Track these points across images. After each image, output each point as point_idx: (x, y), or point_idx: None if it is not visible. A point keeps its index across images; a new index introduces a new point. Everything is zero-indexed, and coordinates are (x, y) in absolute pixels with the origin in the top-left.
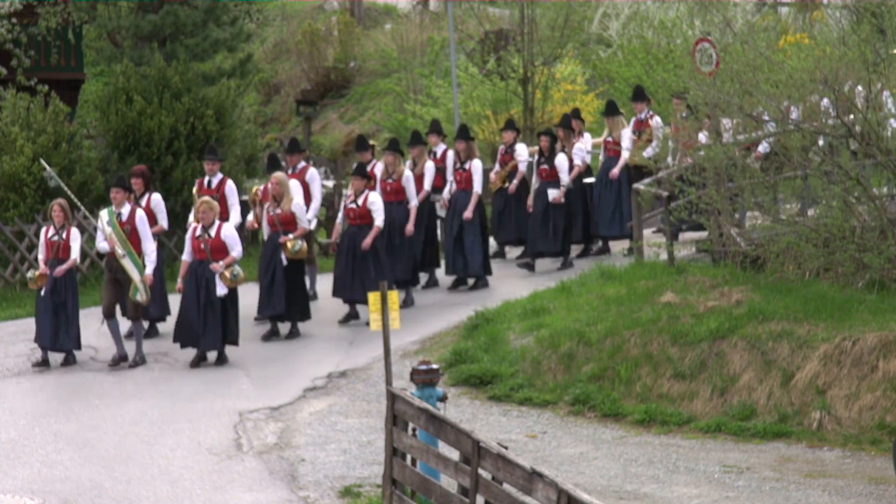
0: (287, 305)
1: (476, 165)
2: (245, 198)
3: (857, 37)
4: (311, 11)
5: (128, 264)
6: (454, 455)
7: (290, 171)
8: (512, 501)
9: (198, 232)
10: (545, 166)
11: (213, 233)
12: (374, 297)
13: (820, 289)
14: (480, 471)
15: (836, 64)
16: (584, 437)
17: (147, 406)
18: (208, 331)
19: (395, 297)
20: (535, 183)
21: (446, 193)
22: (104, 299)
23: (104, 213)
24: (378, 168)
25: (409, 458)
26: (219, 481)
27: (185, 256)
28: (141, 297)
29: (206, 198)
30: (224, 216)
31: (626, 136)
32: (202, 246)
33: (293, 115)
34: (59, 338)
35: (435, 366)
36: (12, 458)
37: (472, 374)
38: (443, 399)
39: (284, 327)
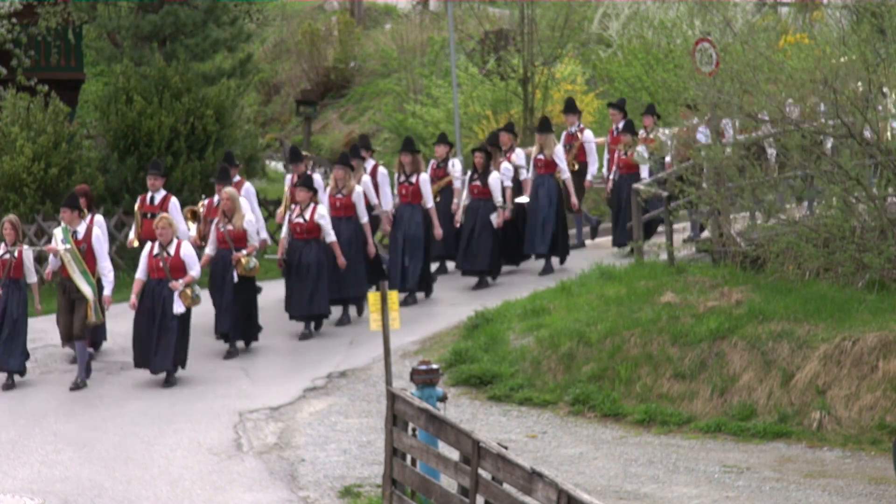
0: (235, 325)
1: (424, 179)
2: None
3: (857, 37)
4: (311, 11)
5: (83, 284)
6: (454, 455)
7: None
8: (512, 501)
9: (155, 250)
10: (478, 183)
11: (171, 251)
12: (373, 297)
13: (820, 289)
14: (480, 471)
15: (836, 64)
16: (584, 437)
17: (147, 406)
18: (160, 352)
19: (395, 297)
20: (465, 199)
21: (390, 207)
22: (62, 327)
23: (58, 232)
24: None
25: (409, 458)
26: (219, 481)
27: (140, 275)
28: (95, 318)
29: (165, 214)
30: None
31: (560, 155)
32: (161, 264)
33: (293, 115)
34: (4, 357)
35: (435, 366)
36: (12, 458)
37: (472, 374)
38: (443, 399)
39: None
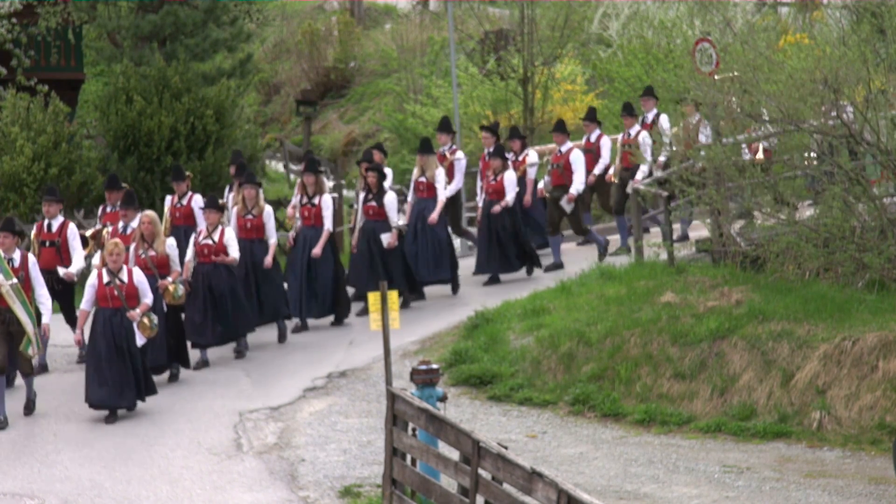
0: (168, 354)
1: (326, 201)
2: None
3: (857, 37)
4: (311, 11)
5: (22, 315)
6: (454, 455)
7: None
8: (512, 501)
9: (105, 278)
10: (373, 203)
11: (125, 278)
12: (373, 297)
13: (820, 289)
14: (480, 471)
15: (836, 64)
16: (584, 437)
17: (147, 406)
18: (126, 388)
19: (395, 296)
20: (359, 220)
21: (292, 231)
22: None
23: None
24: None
25: (409, 458)
26: (219, 481)
27: (85, 305)
28: (33, 350)
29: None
30: (66, 262)
31: (441, 177)
32: (115, 293)
33: (293, 115)
34: None
35: (435, 366)
36: (12, 458)
37: (472, 374)
38: (443, 399)
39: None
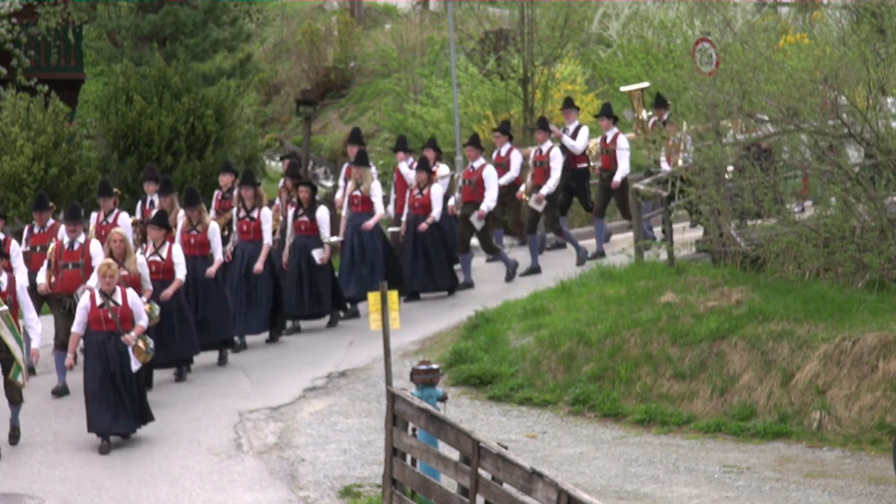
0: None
1: (265, 214)
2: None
3: (857, 37)
4: (311, 11)
5: (11, 341)
6: (454, 455)
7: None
8: (512, 501)
9: (98, 300)
10: (304, 218)
11: (119, 300)
12: (373, 297)
13: (820, 289)
14: (480, 471)
15: (836, 64)
16: (584, 437)
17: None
18: (123, 413)
19: (395, 296)
20: (289, 237)
21: (229, 245)
22: None
23: None
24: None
25: (409, 458)
26: (219, 481)
27: (77, 329)
28: (23, 378)
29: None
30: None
31: (377, 190)
32: (109, 315)
33: (293, 115)
34: None
35: (435, 366)
36: (12, 458)
37: (472, 374)
38: (443, 399)
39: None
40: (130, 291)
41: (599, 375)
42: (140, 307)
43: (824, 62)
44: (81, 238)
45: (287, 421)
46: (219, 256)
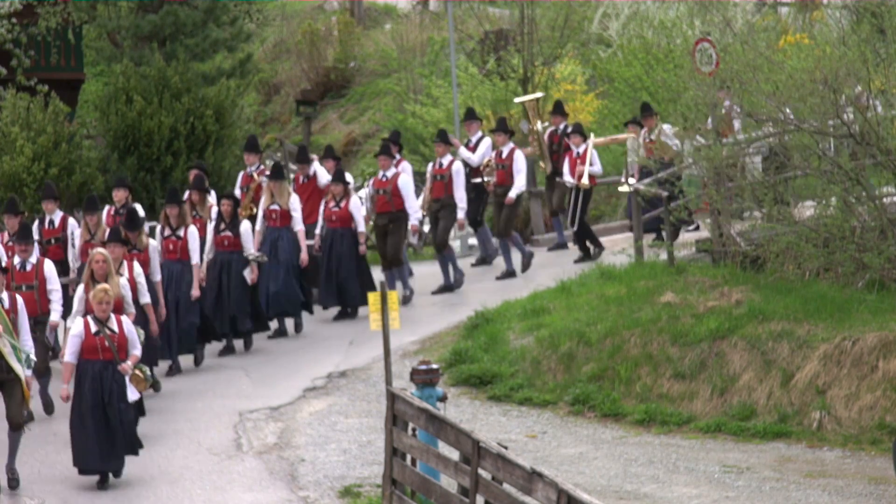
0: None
1: (192, 233)
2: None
3: (857, 37)
4: (311, 11)
5: (14, 362)
6: (454, 455)
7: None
8: (512, 501)
9: (93, 327)
10: (227, 233)
11: (115, 327)
12: (373, 297)
13: (820, 289)
14: (480, 471)
15: (836, 64)
16: (584, 437)
17: (147, 406)
18: (115, 449)
19: (395, 296)
20: (208, 252)
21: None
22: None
23: None
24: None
25: (409, 458)
26: (219, 481)
27: (71, 358)
28: (26, 402)
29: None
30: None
31: (296, 204)
32: (106, 344)
33: (293, 115)
34: None
35: (435, 366)
36: None
37: (472, 374)
38: (443, 399)
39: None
40: (125, 318)
41: (599, 375)
42: (135, 336)
43: (824, 62)
44: (34, 258)
45: (287, 421)
46: (157, 278)
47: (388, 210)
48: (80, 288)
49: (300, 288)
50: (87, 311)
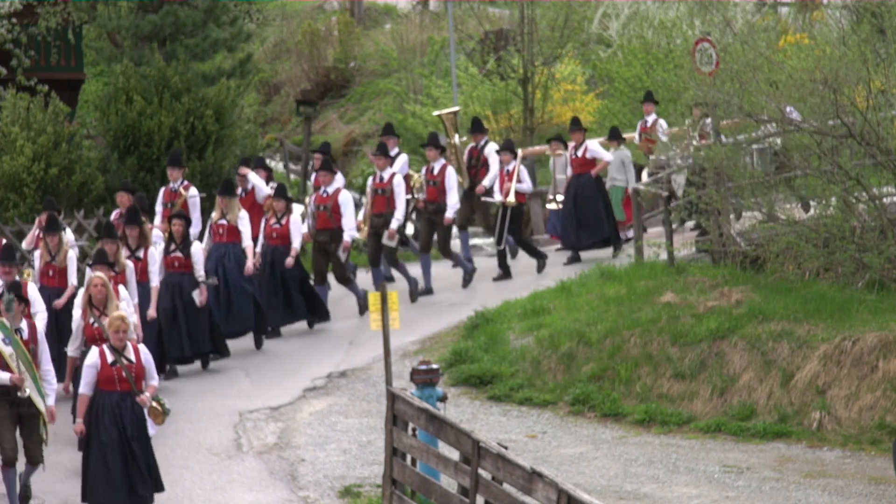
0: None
1: (152, 255)
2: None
3: (857, 37)
4: (311, 11)
5: (35, 396)
6: (454, 455)
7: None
8: (512, 501)
9: (109, 357)
10: (178, 255)
11: (132, 356)
12: (373, 297)
13: (820, 289)
14: (480, 471)
15: (836, 64)
16: (584, 437)
17: None
18: (135, 484)
19: (395, 297)
20: (160, 272)
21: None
22: (5, 443)
23: None
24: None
25: (409, 458)
26: (219, 481)
27: (86, 390)
28: (45, 434)
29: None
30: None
31: (245, 220)
32: (123, 374)
33: (293, 115)
34: None
35: (435, 366)
36: None
37: (472, 374)
38: (443, 399)
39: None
40: (142, 347)
41: (599, 375)
42: (152, 364)
43: (824, 62)
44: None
45: (287, 421)
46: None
47: (329, 227)
48: (78, 315)
49: (254, 304)
50: (87, 338)
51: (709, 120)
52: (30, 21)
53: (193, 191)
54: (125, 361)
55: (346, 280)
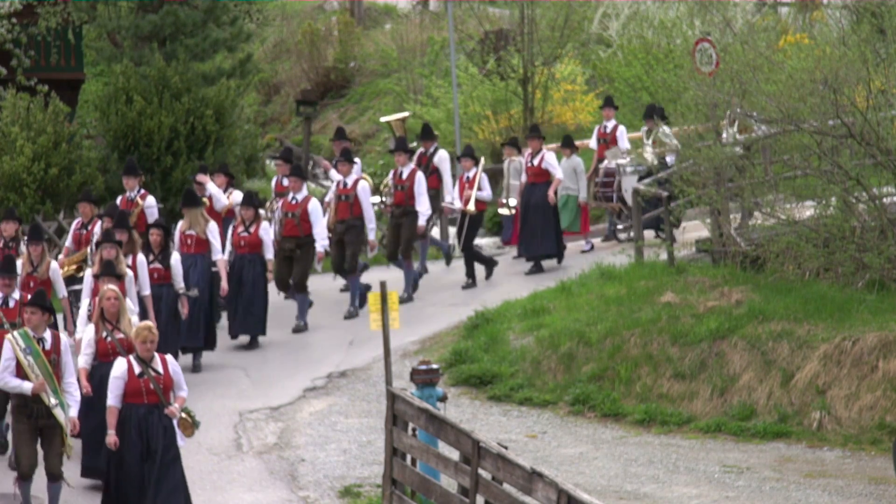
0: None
1: (141, 262)
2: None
3: (856, 37)
4: (311, 11)
5: (57, 409)
6: (454, 455)
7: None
8: (512, 501)
9: (136, 368)
10: (157, 266)
11: (159, 368)
12: (373, 297)
13: (820, 289)
14: (480, 471)
15: (836, 64)
16: (584, 437)
17: None
18: (161, 499)
19: (395, 297)
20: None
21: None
22: (24, 457)
23: (17, 338)
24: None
25: (409, 458)
26: (219, 481)
27: (115, 402)
28: (68, 450)
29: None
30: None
31: (214, 230)
32: (151, 386)
33: (293, 115)
34: None
35: (435, 366)
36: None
37: (472, 374)
38: (443, 399)
39: None
40: (170, 358)
41: (599, 375)
42: (181, 375)
43: (824, 62)
44: (17, 294)
45: (287, 421)
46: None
47: (296, 234)
48: (90, 329)
49: (206, 322)
50: (99, 353)
51: (664, 128)
52: (30, 21)
53: (151, 200)
54: (153, 373)
55: (304, 288)
